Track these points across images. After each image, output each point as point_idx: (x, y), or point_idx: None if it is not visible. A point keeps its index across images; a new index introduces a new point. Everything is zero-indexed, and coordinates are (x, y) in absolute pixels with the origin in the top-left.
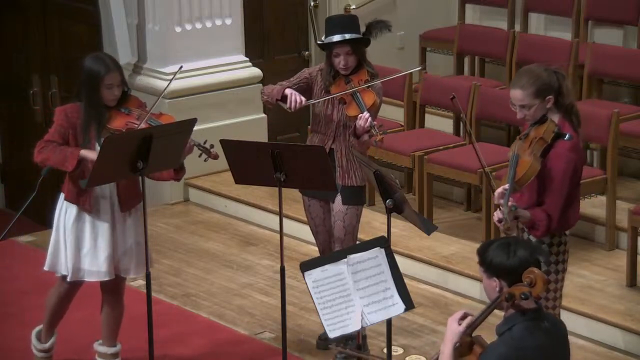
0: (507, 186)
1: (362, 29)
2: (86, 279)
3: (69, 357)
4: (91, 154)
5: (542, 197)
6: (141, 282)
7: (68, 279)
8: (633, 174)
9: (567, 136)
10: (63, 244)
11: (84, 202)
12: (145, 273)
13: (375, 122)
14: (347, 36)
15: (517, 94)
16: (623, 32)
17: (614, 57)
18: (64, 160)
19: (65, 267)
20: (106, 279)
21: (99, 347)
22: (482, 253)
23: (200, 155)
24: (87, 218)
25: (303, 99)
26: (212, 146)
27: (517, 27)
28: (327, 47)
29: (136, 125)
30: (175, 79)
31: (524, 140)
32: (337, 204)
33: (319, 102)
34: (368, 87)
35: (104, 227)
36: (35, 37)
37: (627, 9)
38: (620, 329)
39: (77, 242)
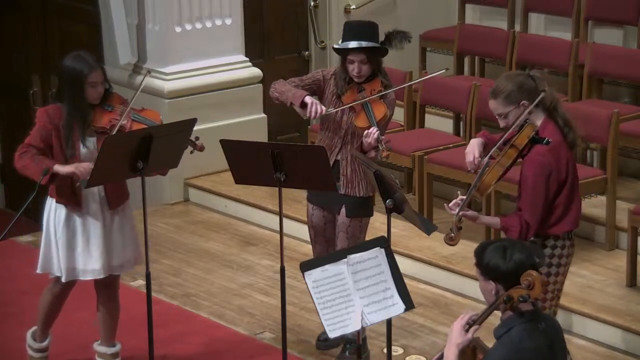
0: (465, 196)
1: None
2: (81, 278)
3: (68, 357)
4: (65, 169)
5: (518, 204)
6: (141, 282)
7: (63, 280)
8: (633, 174)
9: (544, 141)
10: (55, 245)
11: (72, 202)
12: (130, 269)
13: (382, 137)
14: (364, 44)
15: (491, 104)
16: (623, 32)
17: (614, 57)
18: (39, 173)
19: (58, 268)
20: (101, 276)
21: (99, 347)
22: (479, 255)
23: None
24: (78, 218)
25: (323, 108)
26: (197, 138)
27: (517, 27)
28: (342, 53)
29: (118, 121)
30: (175, 79)
31: (502, 146)
32: (342, 215)
33: (337, 111)
34: (381, 97)
35: (95, 226)
36: (35, 37)
37: (627, 9)
38: (620, 329)
39: (69, 242)
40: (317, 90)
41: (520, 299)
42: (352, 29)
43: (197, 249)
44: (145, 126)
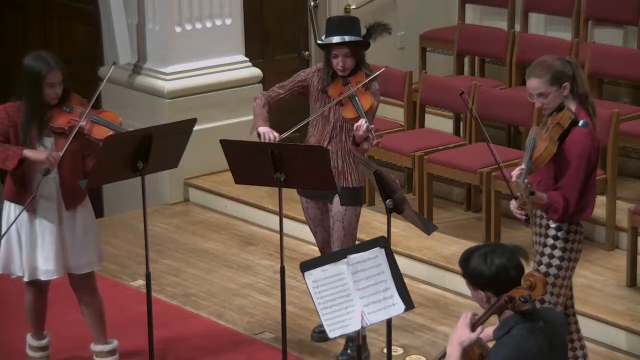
0: (524, 165)
1: (363, 30)
2: (41, 278)
3: (66, 357)
4: (35, 154)
5: (559, 183)
6: (141, 282)
7: (25, 279)
8: (633, 174)
9: (581, 122)
10: (17, 243)
11: (26, 201)
12: (94, 266)
13: (372, 126)
14: (347, 38)
15: (533, 83)
16: (623, 32)
17: (614, 57)
18: (6, 159)
19: (20, 268)
20: (55, 277)
21: (95, 347)
22: (463, 265)
23: None
24: (36, 218)
25: (276, 135)
26: None
27: (517, 27)
28: (326, 48)
29: (77, 123)
30: (175, 79)
31: (541, 126)
32: (336, 205)
33: (293, 131)
34: (365, 88)
35: (50, 226)
36: (35, 37)
37: (627, 9)
38: (620, 329)
39: (31, 241)
40: (302, 91)
41: (522, 300)
42: (335, 24)
43: (197, 249)
44: (105, 127)
